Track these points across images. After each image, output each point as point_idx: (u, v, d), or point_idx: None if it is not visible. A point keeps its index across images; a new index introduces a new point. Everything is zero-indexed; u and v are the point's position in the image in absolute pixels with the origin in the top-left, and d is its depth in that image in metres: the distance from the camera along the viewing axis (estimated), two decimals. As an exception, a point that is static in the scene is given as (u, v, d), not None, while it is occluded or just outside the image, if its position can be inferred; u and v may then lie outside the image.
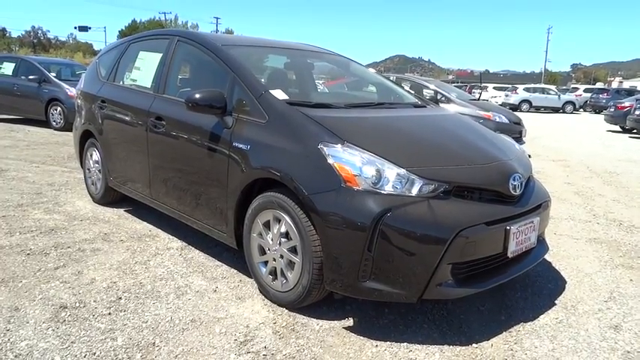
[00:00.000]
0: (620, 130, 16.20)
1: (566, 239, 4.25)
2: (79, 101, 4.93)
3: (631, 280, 3.39)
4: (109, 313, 2.64)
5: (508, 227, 2.51)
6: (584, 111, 29.97)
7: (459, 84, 44.59)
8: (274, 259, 2.75)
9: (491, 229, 2.45)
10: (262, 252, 2.84)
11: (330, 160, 2.43)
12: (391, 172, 2.38)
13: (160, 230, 4.06)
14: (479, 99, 10.38)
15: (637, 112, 14.17)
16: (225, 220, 3.03)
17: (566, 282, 3.29)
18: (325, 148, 2.47)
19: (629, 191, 6.49)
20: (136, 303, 2.77)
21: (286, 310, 2.73)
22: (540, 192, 2.97)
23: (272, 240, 2.74)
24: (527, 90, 28.80)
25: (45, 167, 6.44)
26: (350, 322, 2.65)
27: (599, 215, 5.13)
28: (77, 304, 2.73)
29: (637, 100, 14.82)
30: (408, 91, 4.02)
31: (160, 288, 2.98)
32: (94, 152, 4.66)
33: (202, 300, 2.84)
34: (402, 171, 2.38)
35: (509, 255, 2.56)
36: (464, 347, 2.43)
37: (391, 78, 9.92)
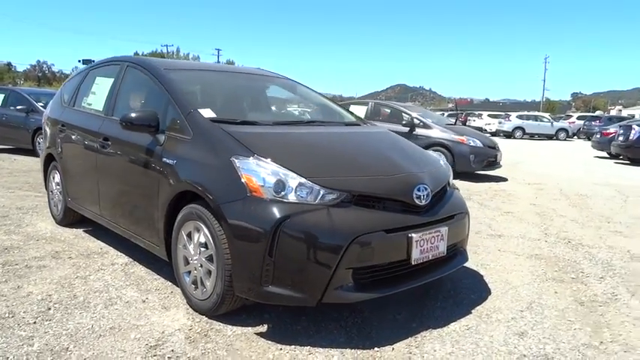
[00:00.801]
0: (608, 156, 16.33)
1: (508, 255, 4.35)
2: (45, 126, 5.14)
3: (555, 292, 3.48)
4: (34, 322, 2.76)
5: (410, 235, 2.64)
6: (578, 138, 30.19)
7: (457, 112, 45.12)
8: (195, 269, 2.88)
9: (391, 237, 2.58)
10: (186, 262, 2.97)
11: (239, 172, 2.59)
12: (294, 182, 2.53)
13: (111, 248, 4.19)
14: (455, 123, 10.59)
15: (620, 139, 14.33)
16: (157, 233, 3.17)
17: (490, 293, 3.38)
18: (236, 161, 2.64)
19: (591, 212, 6.59)
20: (63, 313, 2.89)
21: (205, 318, 2.84)
22: (456, 204, 3.11)
23: (193, 250, 2.87)
24: (520, 117, 29.12)
25: (20, 192, 6.62)
26: (264, 328, 2.75)
27: (551, 234, 5.23)
28: (6, 315, 2.84)
29: (620, 126, 15.00)
30: (350, 112, 4.19)
31: (92, 299, 3.09)
32: (55, 174, 4.85)
33: (128, 309, 2.95)
34: (304, 180, 2.53)
35: (413, 262, 2.67)
36: (365, 350, 2.53)
37: (370, 104, 10.19)
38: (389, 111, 10.32)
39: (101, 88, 4.24)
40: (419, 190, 2.77)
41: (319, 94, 4.43)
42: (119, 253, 4.04)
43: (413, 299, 3.20)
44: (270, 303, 2.59)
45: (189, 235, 2.90)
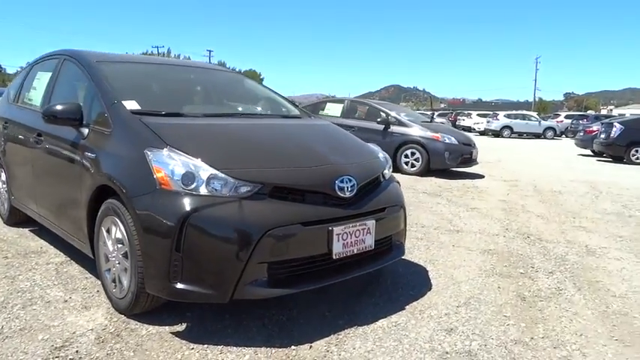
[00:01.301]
0: (592, 154, 16.30)
1: (461, 250, 4.25)
2: (-7, 124, 5.00)
3: (499, 287, 3.38)
4: (-57, 323, 2.63)
5: (331, 228, 2.53)
6: (566, 137, 30.20)
7: (449, 111, 45.18)
8: (114, 266, 2.77)
9: (309, 230, 2.47)
10: (107, 259, 2.85)
11: (150, 164, 2.48)
12: (205, 174, 2.42)
13: (51, 247, 4.06)
14: (431, 121, 10.51)
15: (602, 136, 14.30)
16: (82, 229, 3.06)
17: (430, 289, 3.28)
18: (149, 153, 2.52)
19: (560, 208, 6.52)
20: (-24, 313, 2.76)
21: (124, 317, 2.72)
22: (390, 197, 3.00)
23: (112, 246, 2.76)
24: (508, 116, 29.13)
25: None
26: (182, 327, 2.64)
27: (512, 229, 5.14)
28: None
29: (602, 124, 14.98)
30: (296, 106, 4.08)
31: (12, 300, 2.97)
32: (1, 173, 4.71)
33: (46, 310, 2.83)
34: (216, 172, 2.43)
35: (334, 256, 2.57)
36: (280, 349, 2.42)
37: (346, 102, 10.09)
38: (365, 109, 10.23)
39: (40, 83, 4.12)
40: (342, 181, 2.66)
41: (267, 88, 4.33)
42: (58, 252, 3.91)
43: (348, 295, 3.10)
44: (181, 301, 2.48)
45: (109, 231, 2.78)
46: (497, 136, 28.12)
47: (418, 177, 8.98)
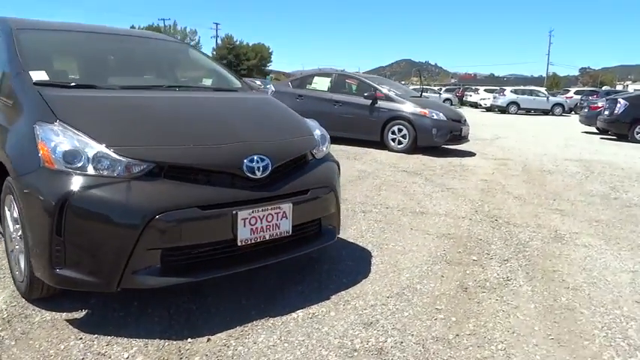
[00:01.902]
0: (597, 131, 15.78)
1: (417, 234, 4.02)
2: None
3: (442, 276, 3.16)
4: None
5: (235, 212, 2.31)
6: (575, 113, 29.45)
7: (457, 86, 44.34)
8: (15, 247, 2.58)
9: (208, 214, 2.25)
10: (11, 240, 2.66)
11: (37, 140, 2.26)
12: (91, 151, 2.20)
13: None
14: (420, 96, 10.13)
15: (606, 113, 13.79)
16: None
17: (366, 277, 3.07)
18: (38, 128, 2.30)
19: (542, 189, 6.23)
20: None
21: (25, 302, 2.55)
22: (317, 178, 2.77)
23: (12, 226, 2.57)
24: (515, 92, 28.39)
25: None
26: (80, 314, 2.46)
27: (482, 212, 4.89)
28: None
29: (607, 100, 14.44)
30: (238, 78, 3.81)
31: None
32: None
33: (-52, 291, 2.67)
34: (103, 149, 2.20)
35: (240, 242, 2.35)
36: (175, 342, 2.24)
37: (334, 75, 9.74)
38: (353, 83, 9.87)
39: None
40: (251, 161, 2.43)
41: (212, 59, 4.07)
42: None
43: (275, 282, 2.90)
44: (65, 288, 2.29)
45: (10, 210, 2.59)
46: (504, 113, 27.48)
47: (405, 155, 8.69)
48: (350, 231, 4.00)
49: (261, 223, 2.41)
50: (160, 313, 2.49)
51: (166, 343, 2.22)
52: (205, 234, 2.29)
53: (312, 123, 3.18)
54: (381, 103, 9.14)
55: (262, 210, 2.41)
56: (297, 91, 10.24)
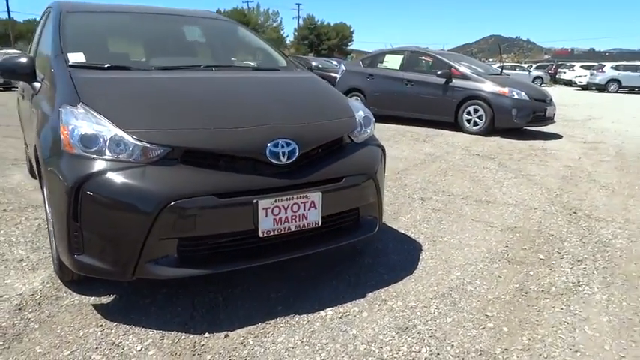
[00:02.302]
0: None
1: (478, 226, 3.63)
2: None
3: (499, 276, 2.80)
4: None
5: (255, 201, 2.13)
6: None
7: (549, 63, 41.17)
8: (51, 229, 2.61)
9: (226, 202, 2.10)
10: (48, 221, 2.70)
11: (60, 123, 2.22)
12: (108, 134, 2.11)
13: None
14: (501, 73, 9.33)
15: None
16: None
17: (411, 274, 2.79)
18: (62, 110, 2.26)
19: (638, 178, 5.47)
20: None
21: (60, 284, 2.58)
22: (353, 165, 2.51)
23: (49, 209, 2.60)
24: (615, 68, 25.65)
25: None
26: (109, 299, 2.44)
27: (559, 203, 4.35)
28: None
29: None
30: (284, 56, 3.60)
31: (-26, 255, 2.96)
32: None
33: (-4, 268, 2.77)
34: (120, 132, 2.11)
35: (262, 234, 2.18)
36: (191, 336, 2.13)
37: (406, 52, 9.28)
38: (427, 60, 9.33)
39: (35, 37, 4.07)
40: (275, 145, 2.23)
41: (260, 38, 3.89)
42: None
43: (309, 275, 2.71)
44: (87, 275, 2.25)
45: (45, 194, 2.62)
46: (602, 91, 25.03)
47: (480, 137, 8.10)
48: (403, 220, 3.70)
49: (285, 213, 2.22)
50: (184, 302, 2.39)
51: (182, 337, 2.12)
52: (223, 224, 2.13)
53: (355, 103, 2.92)
54: (456, 82, 8.55)
55: (287, 199, 2.21)
56: (367, 70, 9.90)
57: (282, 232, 2.24)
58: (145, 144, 2.09)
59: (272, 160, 2.21)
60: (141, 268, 2.07)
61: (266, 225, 2.18)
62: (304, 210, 2.27)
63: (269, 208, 2.17)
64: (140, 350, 2.02)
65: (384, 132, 8.26)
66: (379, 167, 2.67)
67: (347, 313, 2.33)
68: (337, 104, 2.84)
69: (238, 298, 2.46)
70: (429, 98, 8.83)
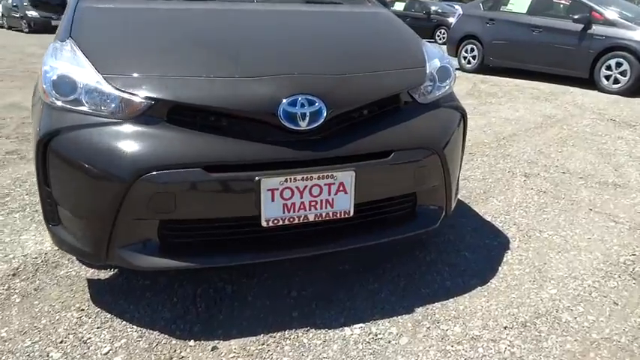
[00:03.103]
0: None
1: (597, 219, 2.73)
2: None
3: (615, 303, 1.98)
4: None
5: (258, 179, 1.57)
6: None
7: None
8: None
9: (218, 178, 1.57)
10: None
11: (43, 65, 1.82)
12: (85, 79, 1.66)
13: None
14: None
15: None
16: None
17: (484, 284, 2.08)
18: (49, 48, 1.86)
19: None
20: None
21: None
22: (411, 134, 1.83)
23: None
24: None
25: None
26: (107, 274, 2.09)
27: None
28: None
29: None
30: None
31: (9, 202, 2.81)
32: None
33: (21, 221, 2.59)
34: (98, 79, 1.64)
35: (265, 223, 1.63)
36: (172, 341, 1.70)
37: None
38: (562, 2, 7.76)
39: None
40: (293, 103, 1.62)
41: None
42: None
43: (345, 272, 2.13)
44: (63, 251, 1.89)
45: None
46: None
47: (621, 98, 6.62)
48: (493, 203, 2.92)
49: (300, 197, 1.63)
50: (185, 291, 1.96)
51: (163, 341, 1.70)
52: (215, 206, 1.62)
53: (432, 49, 2.16)
54: (596, 29, 7.01)
55: (302, 179, 1.62)
56: (487, 14, 8.58)
57: (296, 221, 1.66)
58: (124, 94, 1.61)
59: (286, 124, 1.62)
60: (113, 252, 1.65)
61: (272, 211, 1.62)
62: (329, 194, 1.66)
63: (276, 189, 1.60)
64: (106, 354, 1.63)
65: (499, 87, 7.14)
66: (452, 139, 1.95)
67: (379, 336, 1.73)
68: (403, 49, 2.11)
69: (251, 292, 1.97)
70: (559, 48, 7.39)
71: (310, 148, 1.65)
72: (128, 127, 1.59)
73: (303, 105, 1.62)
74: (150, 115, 1.61)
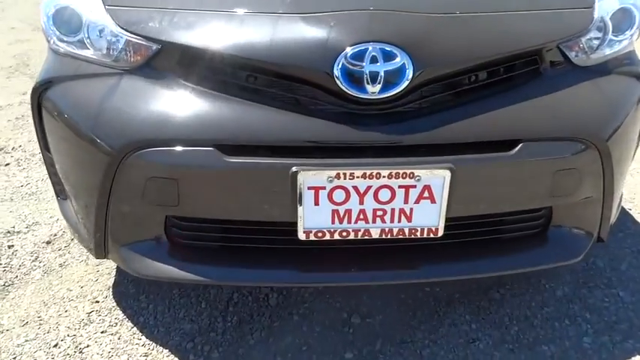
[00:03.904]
0: None
1: None
2: None
3: None
4: None
5: (296, 170, 1.04)
6: None
7: None
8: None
9: (235, 164, 1.06)
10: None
11: None
12: (89, 15, 1.23)
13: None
14: None
15: None
16: None
17: (648, 351, 1.35)
18: None
19: None
20: None
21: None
22: (549, 115, 1.15)
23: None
24: None
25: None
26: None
27: None
28: None
29: None
30: None
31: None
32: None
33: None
34: (101, 14, 1.21)
35: (303, 235, 1.10)
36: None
37: None
38: None
39: None
40: (361, 56, 1.03)
41: None
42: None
43: (454, 310, 1.54)
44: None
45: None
46: None
47: None
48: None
49: (360, 202, 1.07)
50: (218, 295, 1.53)
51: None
52: (233, 205, 1.12)
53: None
54: None
55: (365, 176, 1.04)
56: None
57: (351, 237, 1.11)
58: (129, 35, 1.16)
59: (347, 89, 1.04)
60: (114, 249, 1.25)
61: (315, 220, 1.09)
62: (405, 201, 1.08)
63: (323, 187, 1.05)
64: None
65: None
66: (625, 126, 1.20)
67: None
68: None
69: (300, 308, 1.48)
70: None
71: (381, 129, 1.06)
72: (127, 82, 1.15)
73: (375, 59, 1.03)
74: (151, 66, 1.14)
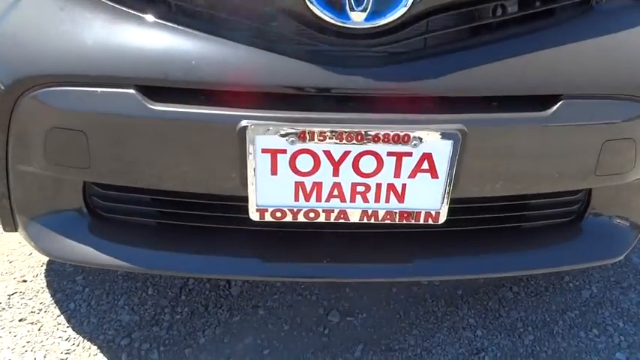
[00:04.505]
0: None
1: None
2: None
3: None
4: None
5: (245, 124, 0.74)
6: None
7: None
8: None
9: (162, 113, 0.77)
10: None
11: None
12: None
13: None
14: None
15: None
16: None
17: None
18: None
19: None
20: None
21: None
22: (594, 65, 0.84)
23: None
24: None
25: None
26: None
27: None
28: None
29: None
30: None
31: None
32: None
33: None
34: None
35: (255, 215, 0.82)
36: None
37: None
38: None
39: None
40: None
41: None
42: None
43: (455, 310, 1.26)
44: None
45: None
46: None
47: None
48: None
49: (334, 173, 0.77)
50: (170, 280, 1.27)
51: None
52: (162, 170, 0.83)
53: None
54: None
55: (341, 136, 0.74)
56: None
57: (321, 220, 0.82)
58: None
59: (324, 14, 0.73)
60: (23, 223, 0.97)
61: (272, 194, 0.80)
62: (396, 174, 0.78)
63: (284, 151, 0.76)
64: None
65: None
66: None
67: None
68: None
69: (267, 300, 1.22)
70: None
71: (366, 72, 0.76)
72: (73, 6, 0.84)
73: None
74: None
